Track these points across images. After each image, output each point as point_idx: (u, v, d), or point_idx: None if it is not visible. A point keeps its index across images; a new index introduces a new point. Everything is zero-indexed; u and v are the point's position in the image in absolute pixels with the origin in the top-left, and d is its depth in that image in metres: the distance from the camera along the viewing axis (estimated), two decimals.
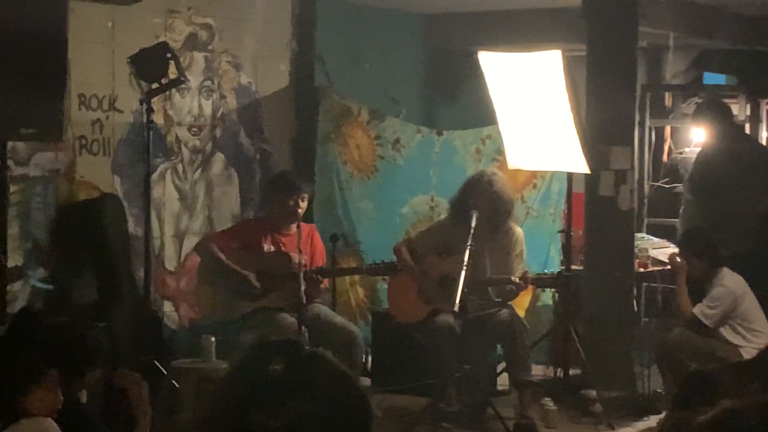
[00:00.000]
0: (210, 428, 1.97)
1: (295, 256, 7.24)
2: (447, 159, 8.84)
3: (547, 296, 8.49)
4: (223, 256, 7.48)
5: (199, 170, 8.32)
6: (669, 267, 8.08)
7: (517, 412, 7.35)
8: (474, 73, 8.24)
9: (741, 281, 7.61)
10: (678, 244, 8.22)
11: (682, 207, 9.22)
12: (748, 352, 7.42)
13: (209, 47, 8.34)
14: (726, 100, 10.06)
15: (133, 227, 7.66)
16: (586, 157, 7.59)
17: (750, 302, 7.60)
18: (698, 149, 9.36)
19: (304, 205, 7.58)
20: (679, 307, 7.71)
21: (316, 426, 1.92)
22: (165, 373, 6.84)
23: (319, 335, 7.23)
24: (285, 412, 1.92)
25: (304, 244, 7.43)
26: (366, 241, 8.98)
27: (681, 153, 10.35)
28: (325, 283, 7.82)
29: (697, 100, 10.30)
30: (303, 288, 7.11)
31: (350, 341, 7.40)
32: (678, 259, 7.87)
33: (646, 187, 10.10)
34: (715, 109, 9.21)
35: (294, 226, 7.42)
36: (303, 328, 7.14)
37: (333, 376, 2.00)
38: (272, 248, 7.59)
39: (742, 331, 7.53)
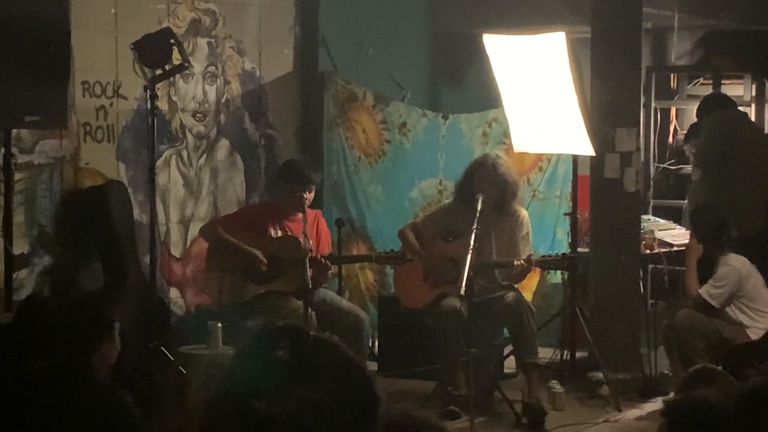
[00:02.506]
0: (215, 414, 1.97)
1: (305, 241, 7.26)
2: (454, 142, 8.84)
3: (557, 276, 8.49)
4: (229, 237, 7.48)
5: (204, 156, 8.32)
6: (676, 249, 8.08)
7: (524, 394, 7.37)
8: (479, 56, 8.22)
9: (746, 262, 7.61)
10: (688, 223, 8.20)
11: (690, 190, 9.23)
12: (756, 333, 7.42)
13: (213, 33, 8.33)
14: (731, 81, 10.07)
15: (138, 214, 7.65)
16: (591, 140, 7.58)
17: (755, 282, 7.59)
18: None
19: (311, 196, 7.56)
20: (687, 287, 7.71)
21: (322, 411, 1.92)
22: (172, 359, 6.85)
23: (325, 320, 7.23)
24: (290, 397, 1.91)
25: (310, 230, 7.43)
26: (375, 225, 8.99)
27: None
28: (333, 268, 7.82)
29: (702, 80, 10.31)
30: (309, 273, 7.12)
31: (357, 325, 7.41)
32: (692, 241, 7.88)
33: (652, 169, 10.10)
34: (717, 98, 9.25)
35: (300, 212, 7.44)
36: (310, 312, 7.14)
37: (339, 360, 2.00)
38: (280, 233, 7.59)
39: (747, 311, 7.53)
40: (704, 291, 7.53)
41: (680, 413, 3.25)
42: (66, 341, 4.38)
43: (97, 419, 4.23)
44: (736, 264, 7.56)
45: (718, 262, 7.60)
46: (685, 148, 10.05)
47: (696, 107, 9.39)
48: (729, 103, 9.16)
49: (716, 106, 9.05)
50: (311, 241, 7.44)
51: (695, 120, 9.58)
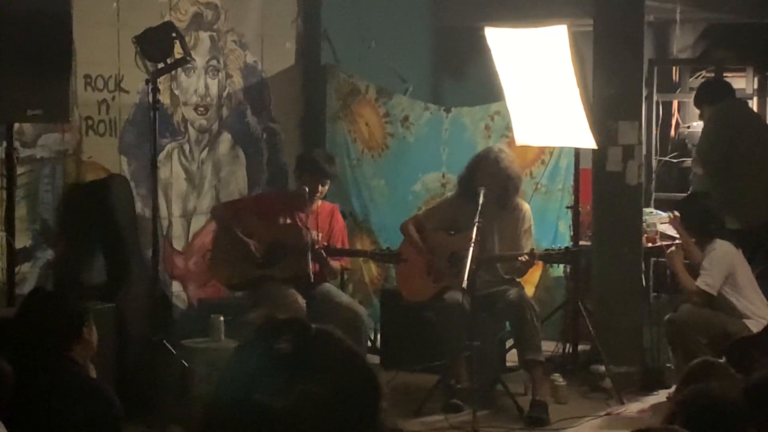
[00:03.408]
0: (218, 408, 1.97)
1: (308, 233, 7.26)
2: (456, 136, 8.84)
3: (559, 269, 8.49)
4: (231, 222, 7.51)
5: (206, 150, 8.31)
6: (678, 242, 8.08)
7: (527, 389, 7.38)
8: (481, 50, 8.22)
9: (732, 247, 7.60)
10: (678, 210, 8.16)
11: (692, 183, 9.21)
12: (755, 326, 7.42)
13: (214, 26, 8.33)
14: (733, 74, 10.03)
15: (140, 208, 7.66)
16: (593, 133, 7.58)
17: (743, 270, 7.59)
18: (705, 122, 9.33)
19: (324, 189, 7.59)
20: (683, 288, 7.68)
21: (324, 404, 1.92)
22: (174, 352, 6.85)
23: (324, 314, 7.23)
24: (293, 390, 1.91)
25: (323, 224, 7.46)
26: (378, 219, 8.99)
27: (688, 127, 10.32)
28: (344, 262, 7.84)
29: (704, 73, 10.29)
30: (312, 267, 7.12)
31: (355, 321, 7.38)
32: (671, 249, 7.87)
33: (654, 162, 10.08)
34: (716, 86, 9.21)
35: (313, 205, 7.47)
36: (307, 303, 7.16)
37: (341, 353, 2.00)
38: (289, 221, 7.59)
39: (741, 299, 7.53)
40: (701, 283, 7.51)
41: (694, 405, 3.26)
42: (43, 336, 4.43)
43: (80, 412, 4.27)
44: (722, 248, 7.55)
45: (705, 250, 7.59)
46: (687, 141, 10.05)
47: (694, 96, 9.36)
48: (727, 91, 9.11)
49: (715, 95, 9.00)
50: (321, 234, 7.46)
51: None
